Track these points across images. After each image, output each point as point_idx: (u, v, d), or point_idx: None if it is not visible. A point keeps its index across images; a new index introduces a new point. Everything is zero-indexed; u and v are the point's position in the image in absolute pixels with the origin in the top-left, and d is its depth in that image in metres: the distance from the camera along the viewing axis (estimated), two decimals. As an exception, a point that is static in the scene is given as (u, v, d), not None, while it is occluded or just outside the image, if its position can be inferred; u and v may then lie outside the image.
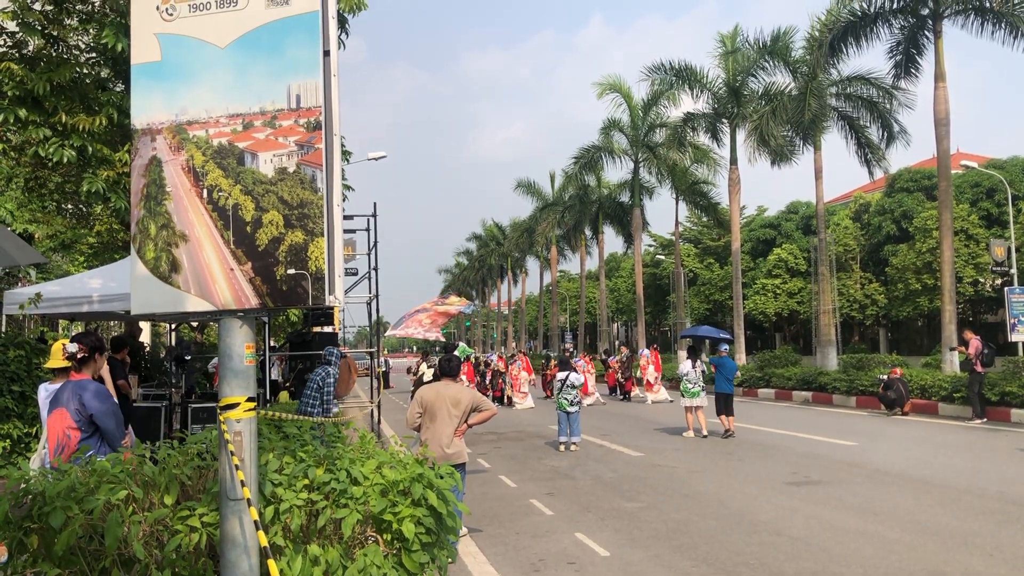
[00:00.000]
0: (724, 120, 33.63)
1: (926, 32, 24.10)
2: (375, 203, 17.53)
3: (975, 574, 6.43)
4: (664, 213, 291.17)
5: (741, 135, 32.36)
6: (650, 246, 61.61)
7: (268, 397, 13.19)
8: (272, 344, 16.78)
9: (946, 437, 15.09)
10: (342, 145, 11.85)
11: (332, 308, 15.27)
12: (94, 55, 10.45)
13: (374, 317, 18.31)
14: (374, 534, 4.08)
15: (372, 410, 17.12)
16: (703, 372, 16.22)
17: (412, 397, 9.64)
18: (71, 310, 10.44)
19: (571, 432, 14.64)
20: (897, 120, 27.87)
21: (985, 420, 16.97)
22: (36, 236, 15.67)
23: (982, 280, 39.33)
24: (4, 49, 9.69)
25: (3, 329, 11.07)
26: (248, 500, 3.33)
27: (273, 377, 16.15)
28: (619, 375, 27.33)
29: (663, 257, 58.93)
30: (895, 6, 24.41)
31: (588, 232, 51.44)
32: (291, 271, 3.45)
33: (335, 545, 3.92)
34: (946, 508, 8.82)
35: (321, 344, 12.48)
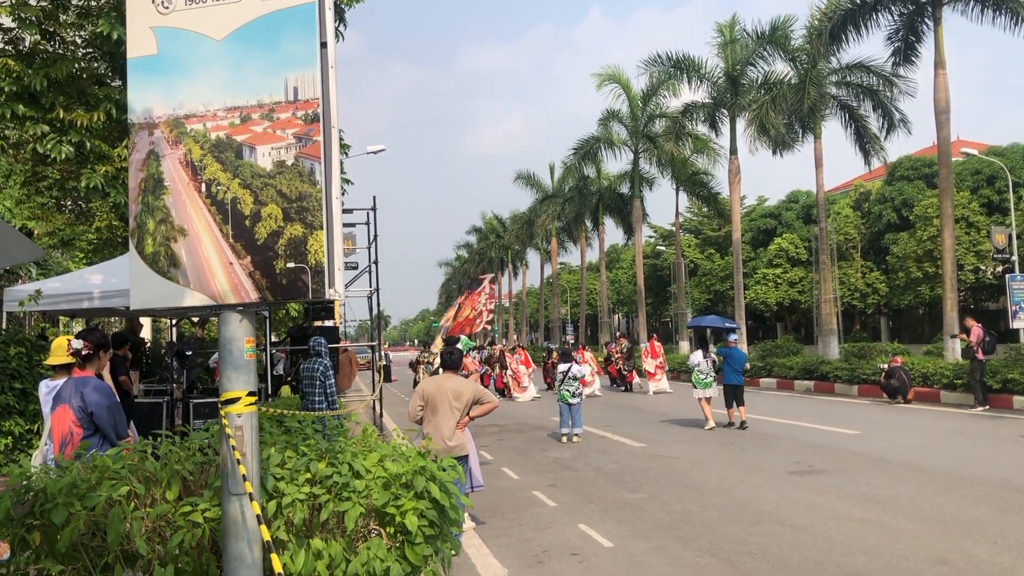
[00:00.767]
0: (723, 110, 33.54)
1: (925, 19, 24.02)
2: (374, 197, 17.50)
3: (979, 561, 6.43)
4: (664, 204, 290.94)
5: (741, 125, 32.32)
6: (651, 237, 61.56)
7: (270, 392, 13.20)
8: (273, 339, 16.78)
9: (948, 425, 15.09)
10: (340, 139, 11.82)
11: (332, 302, 15.26)
12: (91, 50, 10.42)
13: (375, 311, 18.30)
14: (377, 527, 4.07)
15: (374, 403, 17.13)
16: (713, 363, 15.98)
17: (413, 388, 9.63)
18: (71, 307, 10.43)
19: (573, 424, 14.64)
20: (897, 108, 27.80)
21: (987, 407, 16.98)
22: (35, 232, 15.66)
23: (983, 267, 39.30)
24: (1, 45, 9.66)
25: (4, 326, 11.07)
26: (250, 494, 3.32)
27: (277, 372, 16.14)
28: (621, 366, 27.34)
29: (664, 248, 58.90)
30: (894, -7, 24.34)
31: (588, 224, 51.38)
32: (290, 265, 3.44)
33: (338, 539, 3.92)
34: (949, 496, 8.82)
35: (323, 338, 12.46)
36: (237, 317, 3.52)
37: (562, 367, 15.31)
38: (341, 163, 12.91)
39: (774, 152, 30.77)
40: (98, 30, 8.90)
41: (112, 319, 19.33)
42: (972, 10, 23.00)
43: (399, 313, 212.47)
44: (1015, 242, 28.51)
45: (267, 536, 3.09)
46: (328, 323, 17.37)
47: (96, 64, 10.48)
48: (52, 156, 9.24)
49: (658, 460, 12.06)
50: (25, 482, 3.78)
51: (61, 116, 9.31)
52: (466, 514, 7.64)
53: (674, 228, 46.61)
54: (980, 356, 17.20)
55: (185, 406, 11.30)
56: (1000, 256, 29.02)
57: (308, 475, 4.06)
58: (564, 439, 14.55)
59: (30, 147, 9.45)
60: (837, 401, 20.87)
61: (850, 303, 45.96)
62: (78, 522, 3.60)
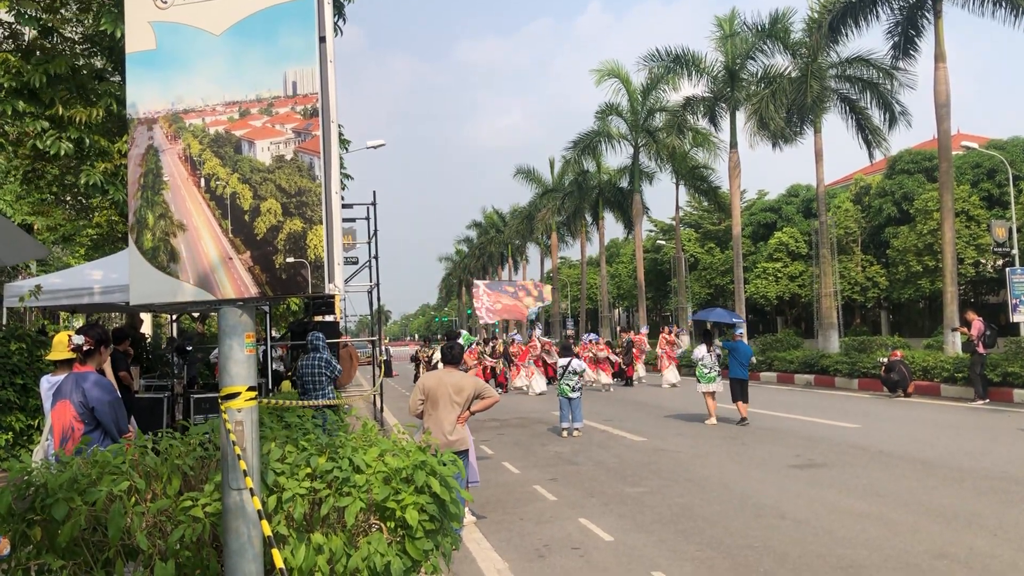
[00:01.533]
0: (723, 104, 33.49)
1: (926, 12, 23.96)
2: (374, 192, 17.48)
3: (979, 554, 6.43)
4: (664, 198, 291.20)
5: (740, 119, 32.27)
6: (651, 231, 61.52)
7: (270, 387, 13.20)
8: (274, 334, 16.78)
9: (949, 418, 15.10)
10: (340, 133, 11.80)
11: (332, 297, 15.26)
12: (89, 46, 10.39)
13: (375, 306, 18.29)
14: (377, 522, 4.07)
15: (374, 398, 17.13)
16: (718, 356, 15.73)
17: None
18: (72, 302, 10.43)
19: (573, 418, 14.64)
20: (898, 101, 27.75)
21: (987, 401, 16.98)
22: (36, 227, 15.66)
23: (983, 261, 39.30)
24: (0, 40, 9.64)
25: (4, 322, 11.08)
26: (251, 489, 3.33)
27: (275, 367, 16.14)
28: (620, 361, 27.44)
29: (664, 242, 58.83)
30: (895, -14, 24.28)
31: (588, 218, 51.34)
32: (290, 259, 3.43)
33: (338, 533, 3.92)
34: (950, 489, 8.82)
35: (324, 334, 12.45)
36: (237, 312, 3.52)
37: (562, 361, 15.31)
38: (340, 158, 12.90)
39: (774, 146, 30.72)
40: (101, 27, 8.88)
41: (112, 315, 19.33)
42: (973, 2, 22.95)
43: (399, 308, 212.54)
44: (1015, 235, 28.51)
45: (268, 530, 3.09)
46: (328, 318, 17.35)
47: (95, 59, 10.46)
48: (52, 152, 9.22)
49: (659, 454, 12.07)
50: (26, 477, 3.79)
51: (60, 112, 9.29)
52: (466, 508, 7.64)
53: (674, 222, 46.59)
54: (980, 350, 17.20)
55: (186, 401, 11.30)
56: (1000, 250, 29.00)
57: (308, 470, 4.06)
58: (564, 433, 14.55)
59: (29, 143, 9.43)
60: (837, 395, 20.88)
61: (850, 297, 45.96)
62: (79, 517, 3.60)
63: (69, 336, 5.42)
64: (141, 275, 3.62)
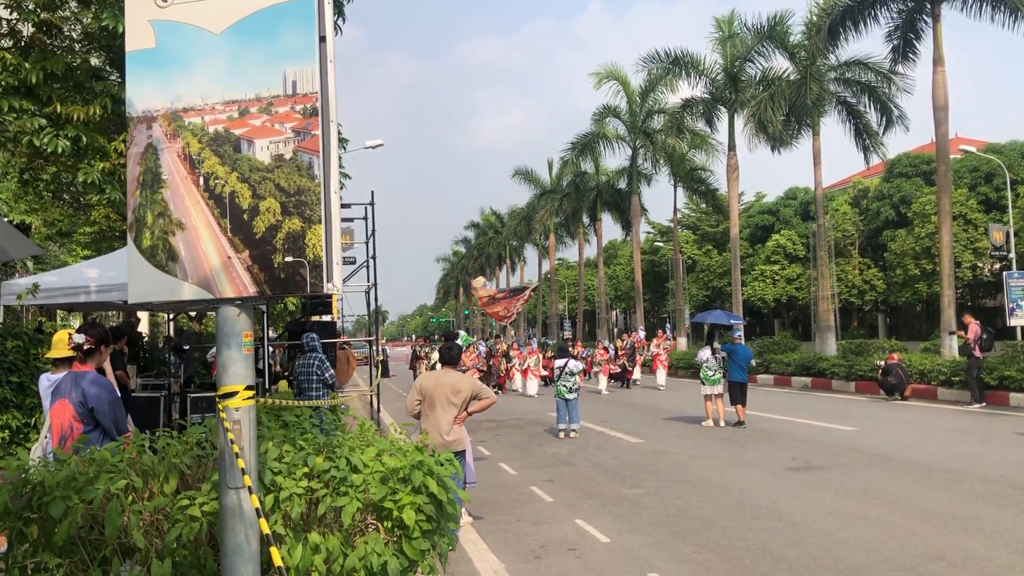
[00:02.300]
0: (722, 106, 33.50)
1: (924, 16, 23.99)
2: (372, 192, 17.50)
3: (976, 557, 6.44)
4: (662, 200, 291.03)
5: (739, 121, 32.27)
6: (648, 233, 61.51)
7: (267, 386, 13.19)
8: (271, 333, 16.77)
9: (945, 422, 15.12)
10: (339, 133, 11.78)
11: (330, 296, 15.26)
12: (88, 44, 10.36)
13: (372, 306, 18.29)
14: (374, 522, 4.07)
15: (371, 398, 17.13)
16: (722, 359, 15.57)
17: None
18: (69, 300, 10.42)
19: (570, 419, 14.64)
20: (896, 105, 27.74)
21: (984, 404, 17.00)
22: (33, 225, 15.63)
23: (981, 265, 39.31)
24: None
25: (1, 320, 11.06)
26: (248, 488, 3.32)
27: (272, 366, 16.13)
28: (624, 363, 27.48)
29: (662, 244, 58.84)
30: (894, -11, 24.31)
31: (586, 219, 51.33)
32: (289, 259, 3.43)
33: (335, 533, 3.92)
34: (946, 492, 8.84)
35: (321, 334, 12.45)
36: (235, 311, 3.51)
37: (559, 362, 15.30)
38: (339, 157, 12.87)
39: (772, 149, 30.74)
40: (103, 23, 8.84)
41: (110, 313, 19.30)
42: (971, 6, 22.96)
43: (397, 308, 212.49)
44: (1012, 239, 28.51)
45: (266, 529, 3.09)
46: (326, 318, 17.35)
47: (93, 56, 10.42)
48: (49, 150, 9.19)
49: (656, 456, 12.08)
50: (23, 475, 3.78)
51: (58, 110, 9.26)
52: (463, 509, 7.64)
53: (672, 224, 46.59)
54: (977, 353, 17.22)
55: (183, 400, 11.29)
56: (997, 253, 29.01)
57: (306, 469, 4.06)
58: (562, 434, 14.56)
59: (26, 139, 9.39)
60: (834, 397, 20.90)
61: (848, 300, 45.97)
62: (76, 515, 3.59)
63: (69, 334, 5.40)
64: (139, 274, 3.61)
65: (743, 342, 16.26)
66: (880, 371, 19.81)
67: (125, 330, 11.39)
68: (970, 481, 9.37)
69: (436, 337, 56.13)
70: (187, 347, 14.03)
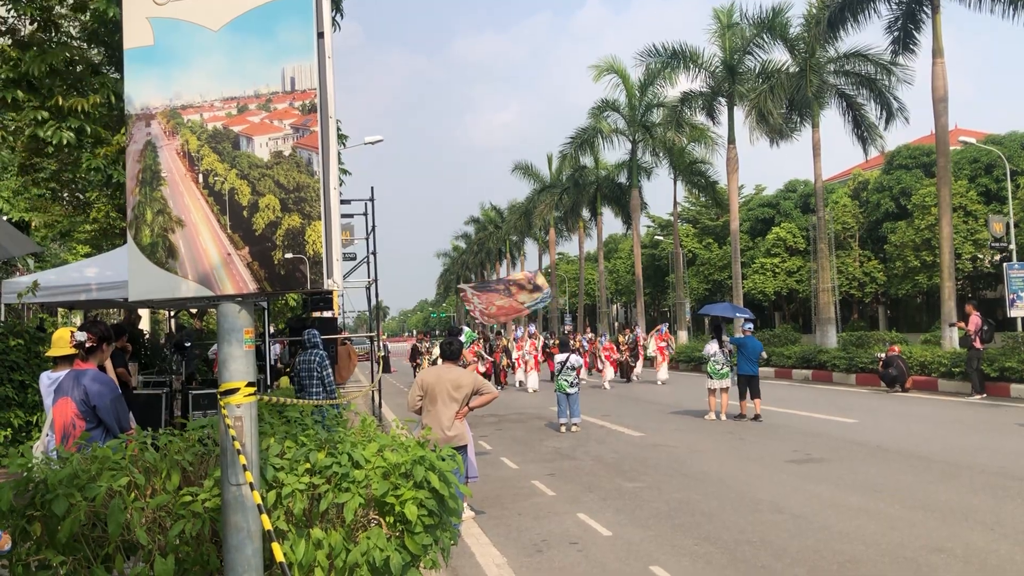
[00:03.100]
0: (721, 99, 33.48)
1: (924, 7, 23.96)
2: (372, 188, 17.48)
3: (976, 549, 6.46)
4: (662, 194, 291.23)
5: (739, 114, 32.30)
6: (649, 227, 61.50)
7: (269, 383, 13.20)
8: (272, 330, 16.77)
9: (946, 413, 15.13)
10: (338, 129, 11.77)
11: (331, 292, 15.25)
12: (87, 41, 10.35)
13: (373, 302, 18.29)
14: (377, 517, 4.08)
15: (373, 394, 17.13)
16: (730, 352, 15.52)
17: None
18: (70, 298, 10.42)
19: (571, 413, 14.66)
20: (896, 97, 27.76)
21: (985, 396, 17.02)
22: (33, 224, 15.64)
23: (981, 256, 39.29)
24: None
25: (2, 318, 11.07)
26: (250, 484, 3.33)
27: (273, 363, 16.14)
28: (627, 358, 27.49)
29: (662, 238, 58.84)
30: (893, -19, 24.27)
31: (586, 214, 51.32)
32: (289, 255, 3.43)
33: (338, 528, 3.93)
34: (947, 484, 8.85)
35: (322, 330, 12.44)
36: (235, 308, 3.52)
37: (560, 357, 15.31)
38: (339, 153, 12.86)
39: (772, 141, 30.75)
40: (92, 5, 8.82)
41: (111, 311, 19.31)
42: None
43: (397, 304, 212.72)
44: (1012, 230, 28.53)
45: (268, 525, 3.10)
46: (327, 314, 17.33)
47: (92, 50, 10.40)
48: (52, 143, 9.17)
49: (657, 449, 12.09)
50: (26, 473, 3.79)
51: (59, 103, 9.24)
52: (465, 504, 7.66)
53: (672, 218, 46.59)
54: (978, 345, 17.22)
55: (184, 397, 11.30)
56: (998, 245, 29.03)
57: (308, 465, 4.07)
58: (563, 429, 14.57)
59: (29, 131, 9.37)
60: (835, 390, 20.91)
61: (848, 292, 45.98)
62: (79, 513, 3.60)
63: (71, 332, 5.40)
64: (140, 271, 3.62)
65: (753, 334, 16.16)
66: (881, 363, 19.81)
67: (126, 328, 11.39)
68: (971, 473, 9.38)
69: (437, 332, 56.09)
70: (188, 344, 14.04)
